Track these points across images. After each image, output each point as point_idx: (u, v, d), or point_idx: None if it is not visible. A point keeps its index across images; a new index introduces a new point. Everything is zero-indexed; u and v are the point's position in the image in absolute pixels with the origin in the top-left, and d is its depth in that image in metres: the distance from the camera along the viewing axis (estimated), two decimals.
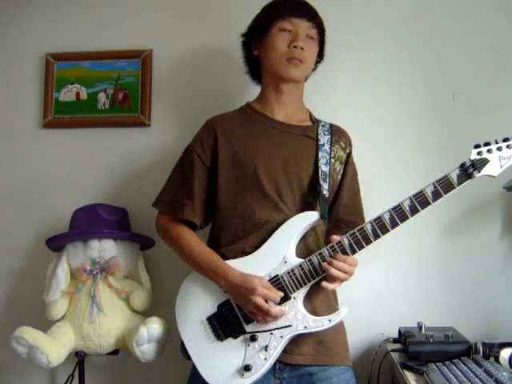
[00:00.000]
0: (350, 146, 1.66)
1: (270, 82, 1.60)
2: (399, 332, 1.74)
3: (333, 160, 1.57)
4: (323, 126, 1.62)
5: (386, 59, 1.98)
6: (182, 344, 1.50)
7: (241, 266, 1.45)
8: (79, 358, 1.78)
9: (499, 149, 1.38)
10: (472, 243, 1.89)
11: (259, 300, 1.38)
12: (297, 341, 1.43)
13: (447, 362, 1.52)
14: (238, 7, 2.04)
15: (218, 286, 1.46)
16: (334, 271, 1.39)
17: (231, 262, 1.47)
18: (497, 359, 1.52)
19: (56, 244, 1.87)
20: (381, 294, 1.91)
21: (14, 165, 2.14)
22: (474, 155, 1.39)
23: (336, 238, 1.43)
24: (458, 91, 1.94)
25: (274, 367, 1.44)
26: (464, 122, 1.93)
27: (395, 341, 1.72)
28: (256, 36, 1.61)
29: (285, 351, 1.42)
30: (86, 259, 1.82)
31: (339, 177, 1.61)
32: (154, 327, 1.67)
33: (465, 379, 1.35)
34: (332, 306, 1.52)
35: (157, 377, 1.99)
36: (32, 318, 1.79)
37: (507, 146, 1.38)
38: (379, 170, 1.93)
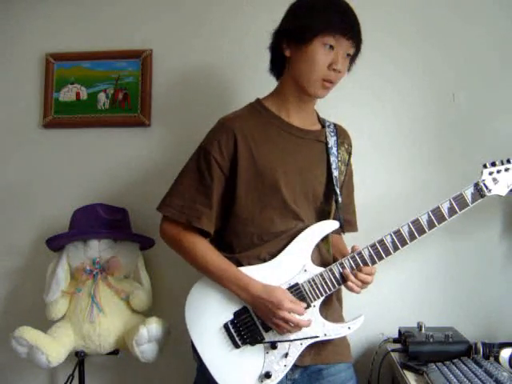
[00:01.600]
0: (351, 146, 1.65)
1: (294, 89, 1.50)
2: (399, 332, 1.74)
3: (340, 163, 1.57)
4: (329, 126, 1.59)
5: (386, 57, 1.97)
6: (194, 349, 1.46)
7: (258, 273, 1.42)
8: (79, 358, 1.78)
9: (507, 170, 1.44)
10: (472, 243, 1.89)
11: (287, 315, 1.36)
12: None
13: (447, 362, 1.52)
14: (238, 8, 2.04)
15: (238, 297, 1.42)
16: (355, 287, 1.42)
17: (247, 269, 1.43)
18: (497, 359, 1.52)
19: (56, 244, 1.87)
20: (381, 294, 1.90)
21: (13, 165, 2.14)
22: (485, 175, 1.44)
23: (357, 247, 1.44)
24: (459, 90, 1.94)
25: None
26: (464, 121, 1.93)
27: (395, 341, 1.72)
28: (293, 39, 1.46)
29: None
30: (85, 259, 1.82)
31: (342, 177, 1.60)
32: (153, 327, 1.67)
33: (465, 379, 1.36)
34: (338, 311, 1.53)
35: (157, 377, 1.99)
36: (32, 318, 1.79)
37: None
38: (379, 167, 1.94)
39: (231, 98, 2.00)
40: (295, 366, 1.44)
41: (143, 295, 1.83)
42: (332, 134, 1.57)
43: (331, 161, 1.53)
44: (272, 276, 1.42)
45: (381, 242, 1.42)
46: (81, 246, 1.84)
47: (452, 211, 1.42)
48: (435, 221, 1.42)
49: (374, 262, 1.43)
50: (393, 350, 1.68)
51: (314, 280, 1.42)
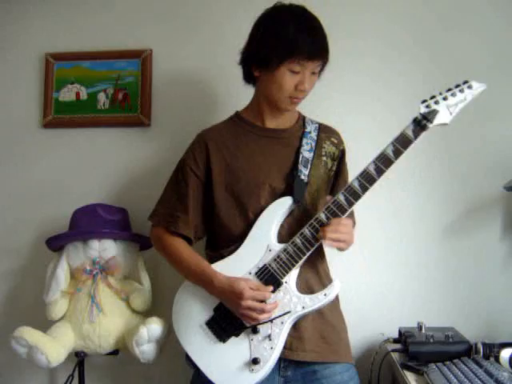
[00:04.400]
0: (343, 143, 1.67)
1: (266, 102, 1.58)
2: (399, 332, 1.74)
3: (323, 152, 1.59)
4: (312, 122, 1.65)
5: (384, 60, 1.97)
6: (187, 356, 1.49)
7: (228, 264, 1.48)
8: (79, 359, 1.78)
9: (445, 98, 1.41)
10: (472, 243, 1.89)
11: (249, 302, 1.39)
12: (300, 337, 1.45)
13: (447, 362, 1.52)
14: (238, 8, 2.04)
15: (207, 291, 1.48)
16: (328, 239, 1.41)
17: (219, 263, 1.50)
18: (497, 359, 1.52)
19: (56, 244, 1.86)
20: (381, 294, 1.91)
21: (13, 165, 2.13)
22: (423, 109, 1.41)
23: (330, 197, 1.45)
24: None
25: (278, 366, 1.44)
26: (464, 121, 1.92)
27: (395, 341, 1.72)
28: (260, 64, 1.52)
29: (289, 348, 1.44)
30: (85, 259, 1.82)
31: (331, 173, 1.61)
32: (153, 327, 1.67)
33: (465, 379, 1.35)
34: (326, 284, 1.51)
35: (157, 377, 1.99)
36: (32, 318, 1.79)
37: (451, 94, 1.41)
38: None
39: (231, 98, 2.00)
40: (288, 362, 1.45)
41: (143, 295, 1.83)
42: (313, 124, 1.63)
43: (303, 142, 1.57)
44: (242, 264, 1.47)
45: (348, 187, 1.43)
46: (81, 246, 1.84)
47: (397, 152, 1.40)
48: (382, 167, 1.41)
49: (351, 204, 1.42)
50: (393, 350, 1.68)
51: (279, 257, 1.44)
